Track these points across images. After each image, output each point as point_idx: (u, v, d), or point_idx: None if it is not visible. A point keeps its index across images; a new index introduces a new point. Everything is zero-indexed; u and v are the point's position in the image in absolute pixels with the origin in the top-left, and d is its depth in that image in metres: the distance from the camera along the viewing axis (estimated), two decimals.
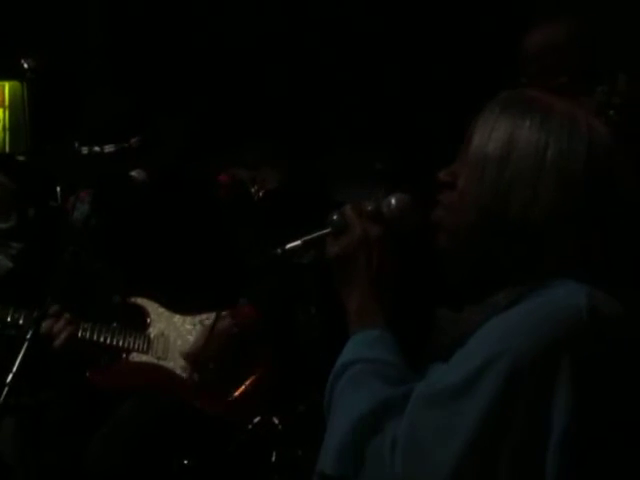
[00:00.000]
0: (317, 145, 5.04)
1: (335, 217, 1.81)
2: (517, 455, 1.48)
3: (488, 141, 1.66)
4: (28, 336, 2.75)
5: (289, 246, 1.86)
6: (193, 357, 3.36)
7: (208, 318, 3.41)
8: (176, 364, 3.42)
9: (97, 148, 3.26)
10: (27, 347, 2.72)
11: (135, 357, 3.44)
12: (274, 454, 3.54)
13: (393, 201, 1.81)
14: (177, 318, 3.47)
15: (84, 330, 3.38)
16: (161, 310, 3.46)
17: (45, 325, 3.25)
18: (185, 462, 3.35)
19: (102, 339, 3.39)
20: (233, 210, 3.64)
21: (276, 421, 3.53)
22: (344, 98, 5.13)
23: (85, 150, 3.27)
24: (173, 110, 4.12)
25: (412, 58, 5.00)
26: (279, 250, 1.88)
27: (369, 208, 1.81)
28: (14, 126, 4.85)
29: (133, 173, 3.33)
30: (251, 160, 4.70)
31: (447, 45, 4.92)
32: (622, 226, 1.64)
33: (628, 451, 1.53)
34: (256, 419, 3.41)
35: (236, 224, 3.55)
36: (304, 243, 1.86)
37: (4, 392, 2.59)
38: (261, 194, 4.62)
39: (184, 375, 3.39)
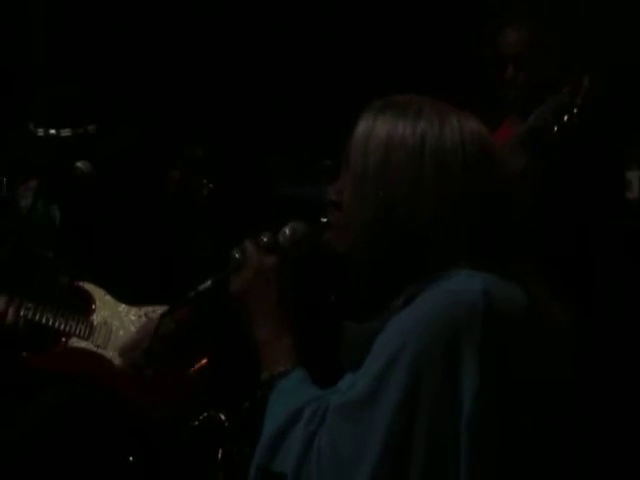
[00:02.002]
0: (265, 142, 5.03)
1: (236, 254, 1.91)
2: (430, 448, 1.52)
3: (366, 153, 1.70)
4: None
5: (201, 288, 1.98)
6: (127, 350, 3.31)
7: (154, 311, 3.39)
8: (115, 354, 3.38)
9: (53, 131, 3.22)
10: None
11: (75, 342, 3.40)
12: (220, 451, 3.51)
13: (287, 231, 1.92)
14: (122, 308, 3.44)
15: (26, 309, 3.32)
16: (107, 298, 3.43)
17: None
18: (130, 459, 3.30)
19: (44, 320, 3.34)
20: (182, 206, 3.61)
21: (222, 417, 3.49)
22: (292, 93, 5.12)
23: (41, 132, 3.24)
24: (133, 104, 4.10)
25: (365, 50, 5.01)
26: (192, 293, 1.99)
27: (265, 240, 1.90)
28: None
29: (79, 164, 3.29)
30: (194, 157, 4.67)
31: (397, 41, 4.93)
32: (505, 213, 1.69)
33: (537, 428, 1.57)
34: (202, 415, 3.39)
35: (185, 221, 3.53)
36: (213, 283, 1.96)
37: None
38: (205, 192, 4.60)
39: (122, 366, 3.36)
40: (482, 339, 1.53)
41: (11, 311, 3.28)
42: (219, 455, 3.50)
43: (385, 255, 1.68)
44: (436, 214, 1.64)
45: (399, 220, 1.66)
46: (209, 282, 1.97)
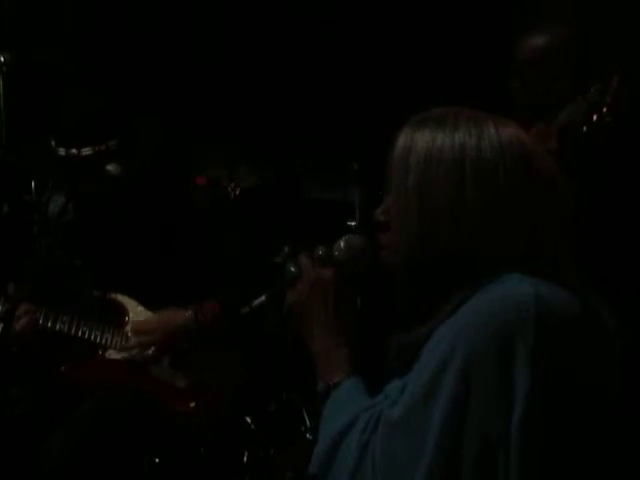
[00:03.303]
0: (294, 145, 5.04)
1: (291, 268, 1.92)
2: (480, 450, 1.51)
3: (407, 170, 1.71)
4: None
5: (255, 302, 1.99)
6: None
7: None
8: (152, 365, 3.40)
9: (74, 150, 3.22)
10: None
11: (112, 354, 3.42)
12: (246, 454, 3.53)
13: (342, 244, 1.93)
14: None
15: (62, 323, 3.36)
16: (140, 309, 3.43)
17: (3, 310, 3.23)
18: (157, 460, 3.33)
19: (80, 334, 3.37)
20: (210, 212, 3.61)
21: (249, 420, 3.52)
22: (322, 98, 5.12)
23: (62, 152, 3.23)
24: (149, 109, 4.10)
25: (390, 60, 5.01)
26: (247, 308, 2.00)
27: (320, 253, 1.92)
28: None
29: (108, 167, 3.29)
30: (225, 157, 4.69)
31: (427, 45, 4.92)
32: (551, 217, 1.69)
33: (587, 428, 1.56)
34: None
35: (213, 227, 3.53)
36: (267, 298, 1.97)
37: None
38: (237, 192, 4.62)
39: (159, 376, 3.38)
40: (535, 343, 1.53)
41: (32, 318, 3.31)
42: (245, 457, 3.53)
43: (434, 267, 1.68)
44: (481, 224, 1.64)
45: (445, 234, 1.66)
46: (263, 297, 1.98)
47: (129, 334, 3.40)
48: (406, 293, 1.75)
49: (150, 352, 3.32)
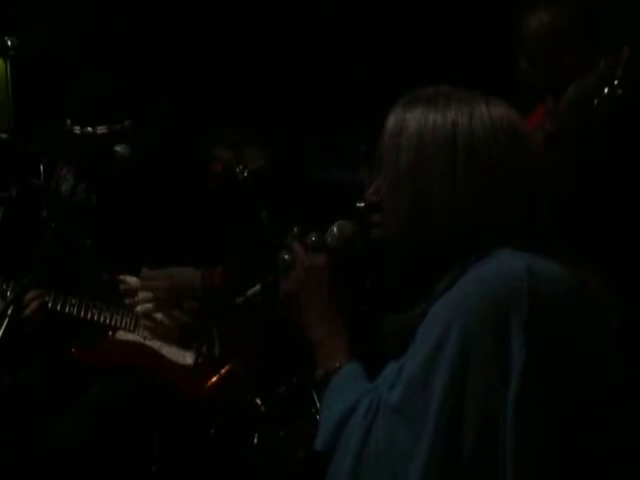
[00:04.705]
0: (301, 126, 5.03)
1: (285, 255, 1.92)
2: (480, 416, 1.52)
3: (398, 150, 1.71)
4: (9, 312, 2.74)
5: (250, 292, 1.99)
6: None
7: None
8: (162, 345, 3.41)
9: (89, 129, 3.24)
10: (7, 324, 2.70)
11: (122, 335, 3.43)
12: (256, 436, 3.54)
13: (335, 230, 1.92)
14: None
15: (71, 305, 3.37)
16: None
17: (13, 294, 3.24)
18: (167, 442, 3.34)
19: (89, 315, 3.38)
20: (223, 195, 3.61)
21: (259, 402, 3.53)
22: (329, 79, 5.12)
23: (77, 130, 3.25)
24: (162, 90, 4.11)
25: (398, 39, 4.99)
26: (241, 298, 2.00)
27: (313, 239, 1.92)
28: None
29: (117, 148, 3.30)
30: (232, 140, 4.68)
31: (431, 26, 4.91)
32: (542, 194, 1.71)
33: (584, 399, 1.57)
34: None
35: (225, 209, 3.53)
36: (262, 287, 1.97)
37: None
38: (246, 174, 4.61)
39: (170, 357, 3.39)
40: (529, 315, 1.54)
41: (41, 302, 3.32)
42: (255, 439, 3.53)
43: (426, 247, 1.69)
44: (473, 201, 1.65)
45: (437, 212, 1.67)
46: (257, 286, 1.98)
47: (139, 313, 3.42)
48: (398, 273, 1.76)
49: (154, 306, 3.33)
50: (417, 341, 1.62)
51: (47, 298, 3.35)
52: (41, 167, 3.92)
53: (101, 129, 3.24)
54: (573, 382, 1.56)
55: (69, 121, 3.27)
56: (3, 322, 2.71)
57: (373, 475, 1.60)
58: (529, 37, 3.27)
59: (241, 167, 4.62)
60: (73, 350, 3.38)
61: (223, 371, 3.39)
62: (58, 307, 3.37)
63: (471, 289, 1.59)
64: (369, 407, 1.64)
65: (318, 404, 3.85)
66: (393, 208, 1.73)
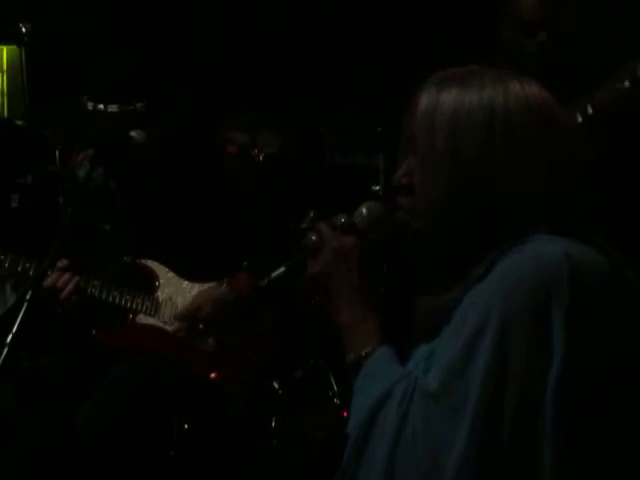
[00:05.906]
0: (317, 110, 5.02)
1: (312, 236, 1.84)
2: (521, 402, 1.50)
3: (434, 131, 1.66)
4: (27, 297, 2.74)
5: (274, 275, 1.91)
6: (184, 316, 3.36)
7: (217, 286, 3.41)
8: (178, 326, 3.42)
9: (101, 106, 3.25)
10: (27, 308, 2.70)
11: (142, 319, 3.43)
12: (274, 419, 3.54)
13: (364, 211, 1.85)
14: (186, 284, 3.45)
15: (93, 288, 3.38)
16: (170, 275, 3.45)
17: (50, 279, 3.26)
18: (185, 427, 3.35)
19: (110, 298, 3.39)
20: (239, 179, 3.61)
21: (276, 386, 3.53)
22: (346, 61, 5.10)
23: (90, 106, 3.26)
24: (178, 73, 4.10)
25: (413, 22, 4.97)
26: (266, 281, 1.92)
27: (342, 220, 1.85)
28: (12, 91, 4.84)
29: (132, 133, 3.30)
30: (248, 124, 4.68)
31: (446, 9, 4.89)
32: (579, 178, 1.67)
33: (625, 388, 1.55)
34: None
35: (242, 193, 3.53)
36: (288, 269, 1.89)
37: (4, 352, 2.58)
38: (261, 158, 4.61)
39: (179, 332, 3.40)
40: (571, 302, 1.51)
41: (76, 284, 3.33)
42: (273, 422, 3.54)
43: (463, 230, 1.65)
44: (511, 183, 1.61)
45: (476, 195, 1.63)
46: (282, 268, 1.90)
47: (160, 300, 3.43)
48: (430, 257, 1.72)
49: (202, 329, 3.35)
50: (452, 326, 1.59)
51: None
52: (57, 153, 3.94)
53: (112, 107, 3.24)
54: (615, 370, 1.54)
55: (85, 97, 3.28)
56: (22, 307, 2.71)
57: (411, 461, 1.57)
58: (508, 14, 3.24)
59: (256, 151, 4.62)
60: (94, 332, 3.39)
61: (241, 355, 3.39)
62: (87, 289, 3.39)
63: (510, 275, 1.56)
64: (405, 393, 1.61)
65: (335, 387, 3.86)
66: (430, 191, 1.68)
